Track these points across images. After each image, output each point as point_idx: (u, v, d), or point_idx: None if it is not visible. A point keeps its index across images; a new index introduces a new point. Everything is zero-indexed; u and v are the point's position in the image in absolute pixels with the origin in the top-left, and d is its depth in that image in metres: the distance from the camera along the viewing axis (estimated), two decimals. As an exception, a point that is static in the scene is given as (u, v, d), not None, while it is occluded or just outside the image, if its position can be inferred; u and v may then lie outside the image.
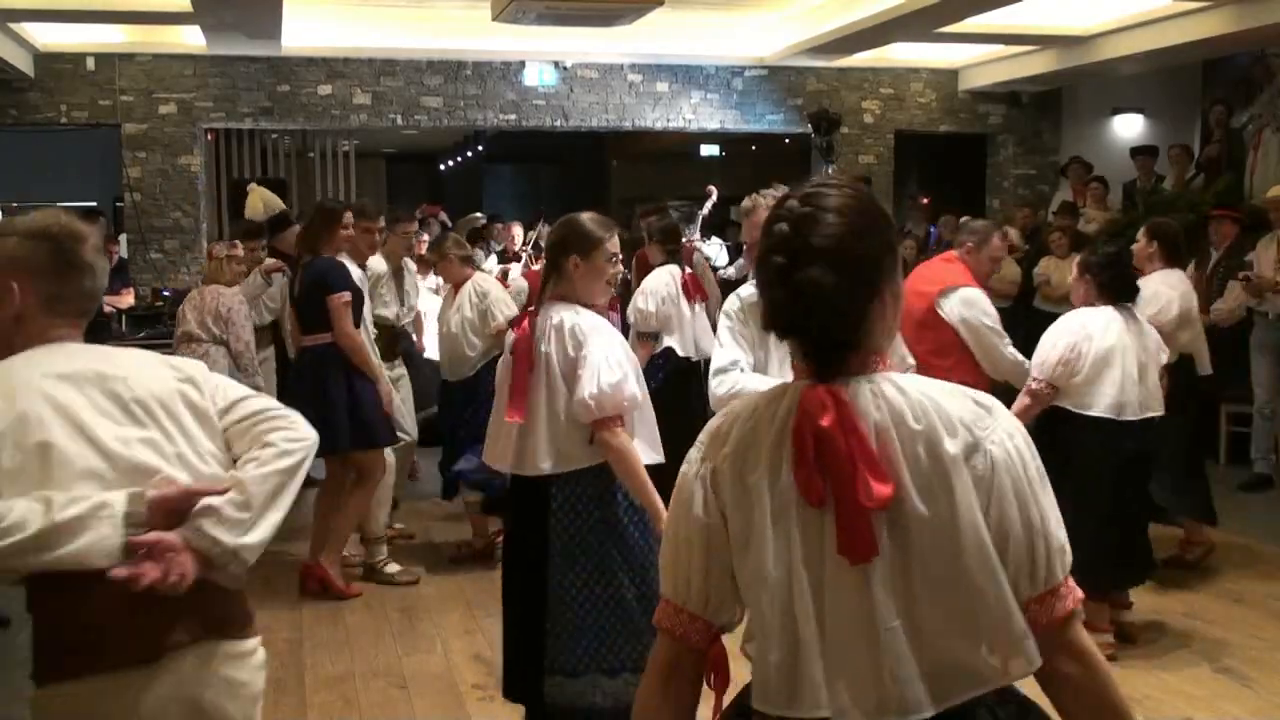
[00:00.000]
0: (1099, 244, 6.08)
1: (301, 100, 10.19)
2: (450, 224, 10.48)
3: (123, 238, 10.05)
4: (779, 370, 3.37)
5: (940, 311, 4.89)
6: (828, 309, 1.54)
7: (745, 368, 3.39)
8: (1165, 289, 5.40)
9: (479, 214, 12.54)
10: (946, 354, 4.85)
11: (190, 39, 9.41)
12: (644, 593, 3.37)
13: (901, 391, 1.56)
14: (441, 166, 19.73)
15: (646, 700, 1.73)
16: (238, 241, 6.93)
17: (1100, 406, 4.56)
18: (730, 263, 10.37)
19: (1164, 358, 4.81)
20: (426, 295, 7.29)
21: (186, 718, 2.04)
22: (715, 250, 10.82)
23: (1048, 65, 9.94)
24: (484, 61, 10.38)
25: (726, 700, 1.73)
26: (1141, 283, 4.95)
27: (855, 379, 1.58)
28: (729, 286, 6.89)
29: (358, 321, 5.51)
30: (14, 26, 8.76)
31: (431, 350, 6.99)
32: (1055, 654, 1.56)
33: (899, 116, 11.30)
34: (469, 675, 4.59)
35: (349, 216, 5.61)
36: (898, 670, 1.51)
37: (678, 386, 6.08)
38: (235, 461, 2.15)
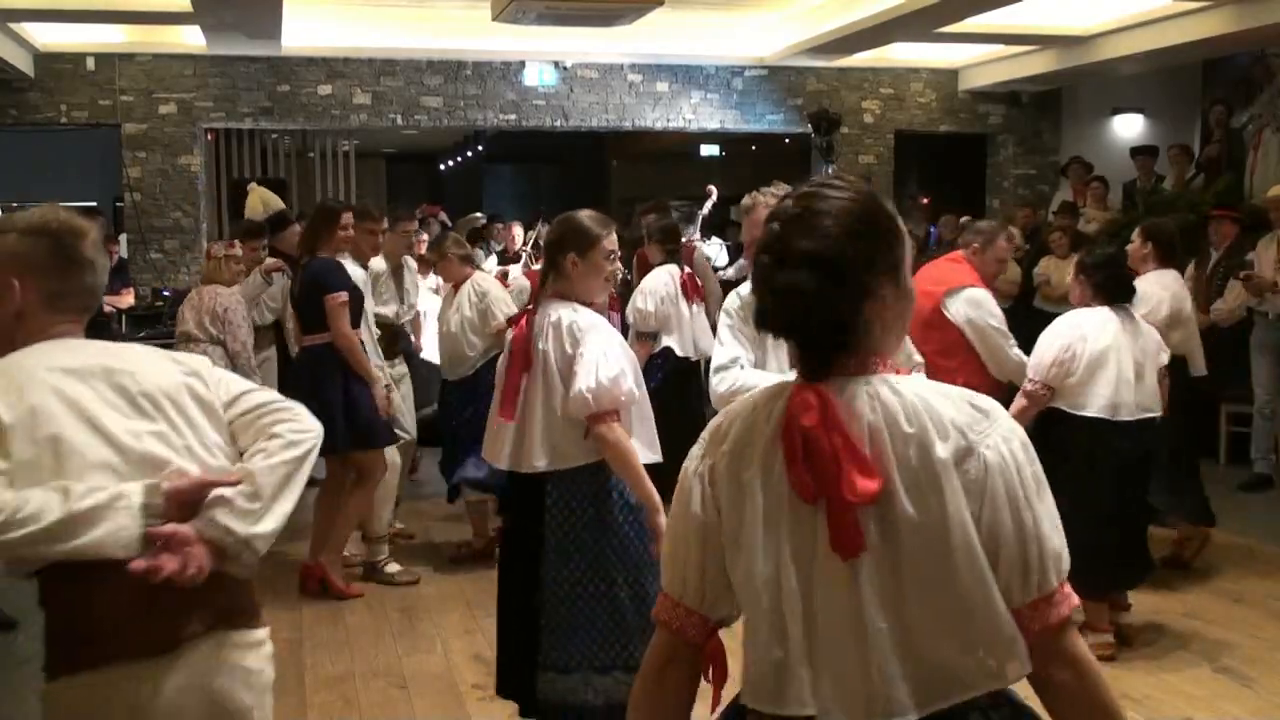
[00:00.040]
0: (1100, 244, 6.08)
1: (301, 100, 10.19)
2: (450, 224, 10.47)
3: (123, 238, 10.05)
4: (779, 368, 3.37)
5: (946, 312, 4.90)
6: (809, 311, 1.56)
7: (746, 365, 3.40)
8: (1156, 289, 5.40)
9: (479, 214, 12.55)
10: (952, 354, 4.86)
11: (190, 39, 9.41)
12: (637, 591, 3.38)
13: (896, 394, 1.57)
14: (441, 166, 19.74)
15: (642, 692, 1.75)
16: (236, 241, 6.93)
17: (1094, 407, 4.56)
18: (730, 263, 10.38)
19: (1164, 358, 4.81)
20: (426, 295, 7.29)
21: (202, 706, 2.05)
22: (715, 250, 10.83)
23: (1048, 65, 9.94)
24: (484, 61, 10.38)
25: (726, 695, 1.73)
26: (1135, 283, 4.95)
27: (851, 379, 1.59)
28: (729, 287, 6.88)
29: (357, 321, 5.51)
30: (14, 26, 8.76)
31: (428, 351, 6.99)
32: (1049, 660, 1.55)
33: (899, 116, 11.30)
34: (469, 675, 4.59)
35: (348, 217, 5.61)
36: (885, 671, 1.52)
37: (677, 386, 6.09)
38: (241, 454, 2.16)
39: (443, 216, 10.89)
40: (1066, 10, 8.93)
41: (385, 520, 5.94)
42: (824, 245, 1.56)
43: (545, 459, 3.38)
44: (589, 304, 3.48)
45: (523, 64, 10.47)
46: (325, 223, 5.57)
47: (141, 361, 2.17)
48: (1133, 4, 8.56)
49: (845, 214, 1.58)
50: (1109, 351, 4.56)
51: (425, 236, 8.18)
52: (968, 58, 10.90)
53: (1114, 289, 4.68)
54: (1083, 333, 4.59)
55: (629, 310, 6.37)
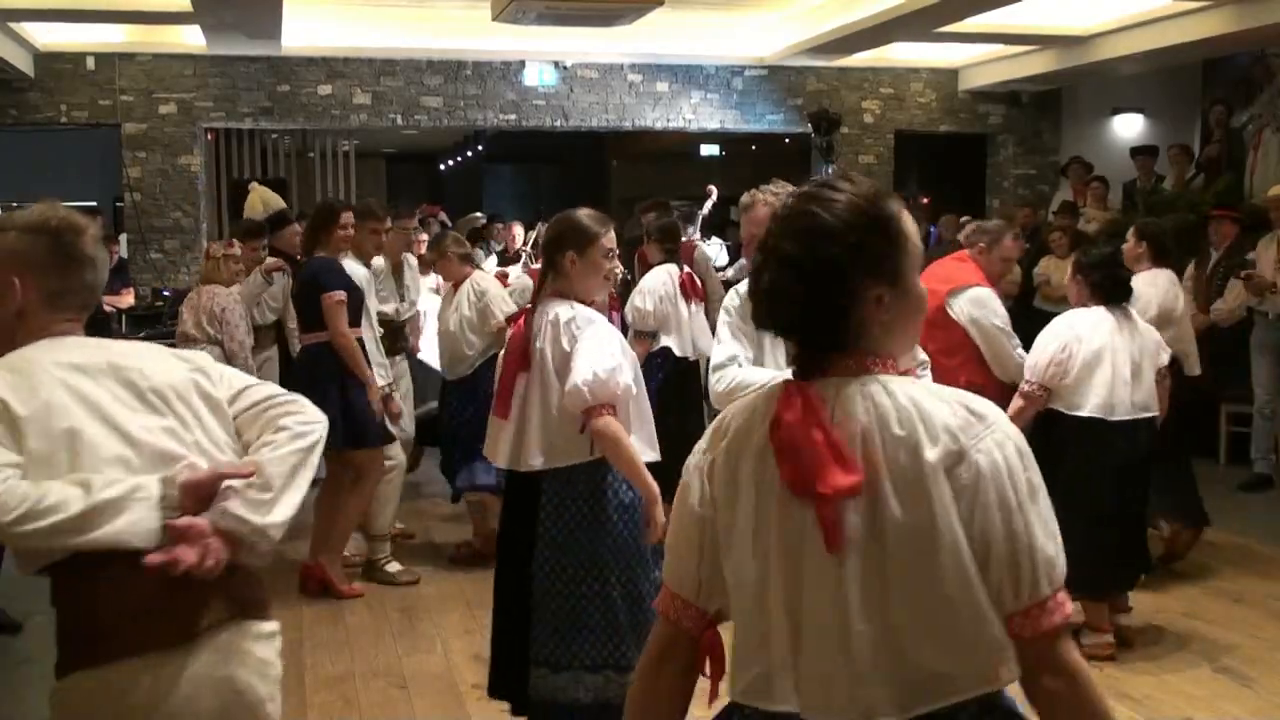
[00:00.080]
0: (1098, 244, 6.07)
1: (301, 100, 10.19)
2: (450, 224, 10.48)
3: (123, 238, 10.05)
4: (776, 366, 3.37)
5: (950, 311, 4.91)
6: (792, 312, 1.59)
7: (744, 363, 3.39)
8: (1146, 288, 5.40)
9: (479, 214, 12.56)
10: (955, 353, 4.86)
11: (190, 39, 9.41)
12: (630, 591, 3.39)
13: (890, 396, 1.57)
14: (441, 166, 19.75)
15: (639, 682, 1.77)
16: (235, 241, 6.94)
17: (1089, 407, 4.57)
18: (730, 263, 10.38)
19: (1165, 358, 4.81)
20: (426, 295, 7.30)
21: (218, 697, 2.06)
22: (715, 250, 10.83)
23: (1048, 65, 9.94)
24: (484, 61, 10.38)
25: (723, 689, 1.74)
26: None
27: (847, 380, 1.60)
28: (729, 287, 6.88)
29: (357, 320, 5.51)
30: (14, 26, 8.76)
31: (425, 351, 7.01)
32: (1041, 669, 1.55)
33: (899, 116, 11.30)
34: (469, 675, 4.58)
35: (347, 216, 5.61)
36: (870, 671, 1.52)
37: (676, 386, 6.08)
38: (246, 449, 2.17)
39: (443, 216, 10.91)
40: (1066, 10, 8.93)
41: (388, 518, 5.94)
42: (805, 248, 1.58)
43: (542, 457, 3.39)
44: (588, 303, 3.48)
45: (523, 64, 10.47)
46: (325, 222, 5.58)
47: (148, 358, 2.18)
48: (1133, 4, 8.56)
49: (836, 217, 1.59)
50: (1104, 351, 4.56)
51: (425, 236, 8.19)
52: (968, 58, 10.90)
53: (1111, 289, 4.69)
54: (1078, 333, 4.59)
55: (627, 309, 6.37)
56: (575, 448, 3.37)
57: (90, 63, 9.76)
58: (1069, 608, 1.57)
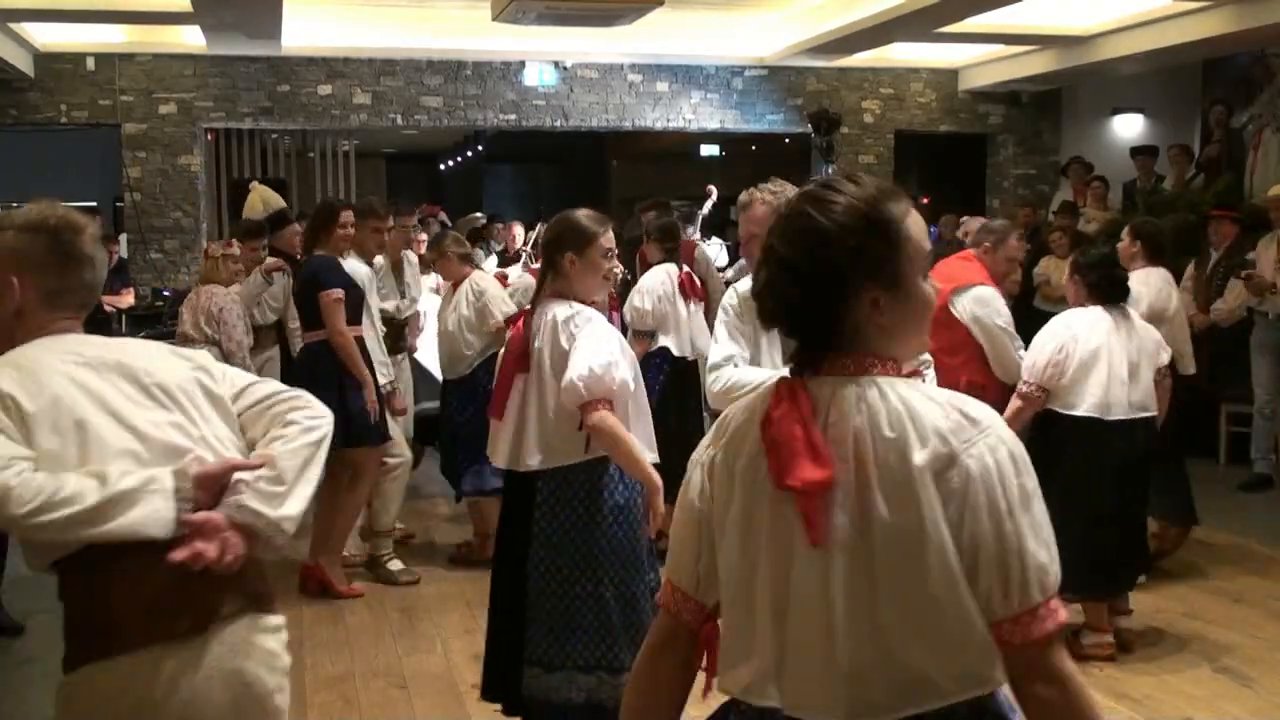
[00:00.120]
0: (1097, 244, 6.07)
1: (301, 100, 10.19)
2: (450, 224, 10.48)
3: (123, 238, 10.06)
4: (773, 365, 3.37)
5: (953, 309, 4.91)
6: (787, 310, 1.62)
7: (740, 362, 3.40)
8: (1139, 286, 5.40)
9: (479, 214, 12.56)
10: (957, 352, 4.86)
11: (190, 39, 9.41)
12: (623, 593, 3.39)
13: (884, 397, 1.57)
14: (441, 166, 19.74)
15: (638, 672, 1.79)
16: (234, 240, 6.93)
17: (1084, 406, 4.57)
18: (730, 263, 10.37)
19: (1165, 357, 4.81)
20: (427, 294, 7.31)
21: (228, 690, 2.07)
22: (715, 250, 10.82)
23: (1048, 65, 9.94)
24: (484, 61, 10.38)
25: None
26: None
27: (844, 379, 1.60)
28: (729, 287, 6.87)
29: (357, 319, 5.52)
30: (14, 26, 8.76)
31: (422, 351, 7.02)
32: (1033, 677, 1.54)
33: (899, 116, 11.30)
34: (469, 675, 4.58)
35: (347, 215, 5.61)
36: (853, 670, 1.53)
37: (675, 386, 6.07)
38: (250, 446, 2.18)
39: (443, 216, 10.90)
40: (1066, 10, 8.93)
41: (392, 515, 5.95)
42: (800, 250, 1.60)
43: (540, 456, 3.40)
44: (588, 303, 3.48)
45: (523, 64, 10.47)
46: (325, 221, 5.59)
47: (151, 355, 2.19)
48: (1133, 4, 8.56)
49: (833, 220, 1.59)
50: (1100, 351, 4.56)
51: (424, 236, 8.19)
52: (968, 58, 10.90)
53: (1108, 288, 4.69)
54: (1075, 333, 4.60)
55: (626, 308, 6.36)
56: (573, 447, 3.37)
57: (90, 63, 9.77)
58: (1062, 615, 1.56)
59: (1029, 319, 8.10)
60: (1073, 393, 4.58)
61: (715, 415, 3.51)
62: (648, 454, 3.41)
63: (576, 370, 3.24)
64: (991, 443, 1.55)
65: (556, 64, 10.53)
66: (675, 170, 16.07)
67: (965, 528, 1.51)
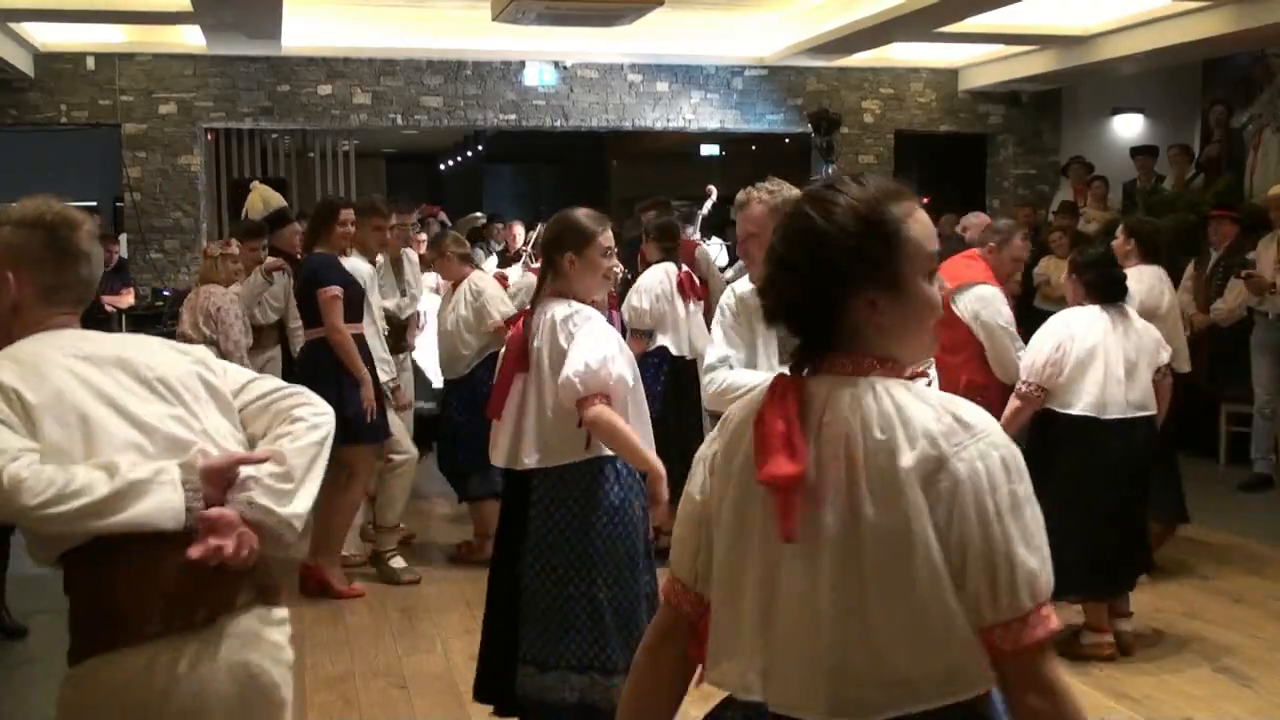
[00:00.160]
0: (1095, 244, 6.08)
1: (301, 100, 10.19)
2: (450, 224, 10.48)
3: (123, 238, 10.06)
4: (769, 367, 3.37)
5: (954, 308, 4.92)
6: (785, 308, 1.64)
7: (735, 364, 3.40)
8: (1132, 284, 5.38)
9: (479, 214, 12.56)
10: (958, 351, 4.87)
11: (190, 39, 9.41)
12: (617, 594, 3.40)
13: (876, 399, 1.57)
14: (441, 166, 19.73)
15: (638, 663, 1.81)
16: (232, 240, 6.93)
17: (1080, 405, 4.57)
18: (731, 263, 10.36)
19: (1165, 356, 4.80)
20: (427, 295, 7.31)
21: (236, 682, 2.07)
22: (716, 250, 10.81)
23: (1048, 65, 9.94)
24: (484, 61, 10.38)
25: None
26: None
27: (840, 379, 1.61)
28: (728, 288, 6.86)
29: (357, 317, 5.52)
30: (14, 26, 8.76)
31: (420, 351, 7.03)
32: (1024, 684, 1.54)
33: (899, 116, 11.30)
34: (469, 675, 4.53)
35: (347, 213, 5.62)
36: (839, 669, 1.53)
37: (673, 386, 6.07)
38: (251, 441, 2.19)
39: (442, 216, 10.90)
40: (1066, 10, 8.93)
41: (397, 512, 5.96)
42: (798, 251, 1.62)
43: (537, 455, 3.41)
44: (588, 302, 3.48)
45: (523, 64, 10.47)
46: (325, 219, 5.60)
47: (150, 349, 2.19)
48: (1133, 4, 8.56)
49: (831, 221, 1.60)
50: (1097, 350, 4.57)
51: (424, 236, 8.20)
52: (968, 58, 10.90)
53: (1105, 287, 4.69)
54: (1072, 332, 4.61)
55: (623, 307, 6.36)
56: (570, 447, 3.38)
57: (90, 63, 9.76)
58: (1054, 623, 1.54)
59: (1029, 319, 8.11)
60: (1069, 391, 4.59)
61: (714, 415, 3.51)
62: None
63: (572, 366, 3.25)
64: (983, 448, 1.54)
65: (556, 64, 10.53)
66: (675, 170, 16.06)
67: (954, 532, 1.51)
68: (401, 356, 6.46)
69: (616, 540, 3.40)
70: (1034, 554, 1.53)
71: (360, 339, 5.51)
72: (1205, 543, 6.33)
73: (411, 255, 6.86)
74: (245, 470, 2.06)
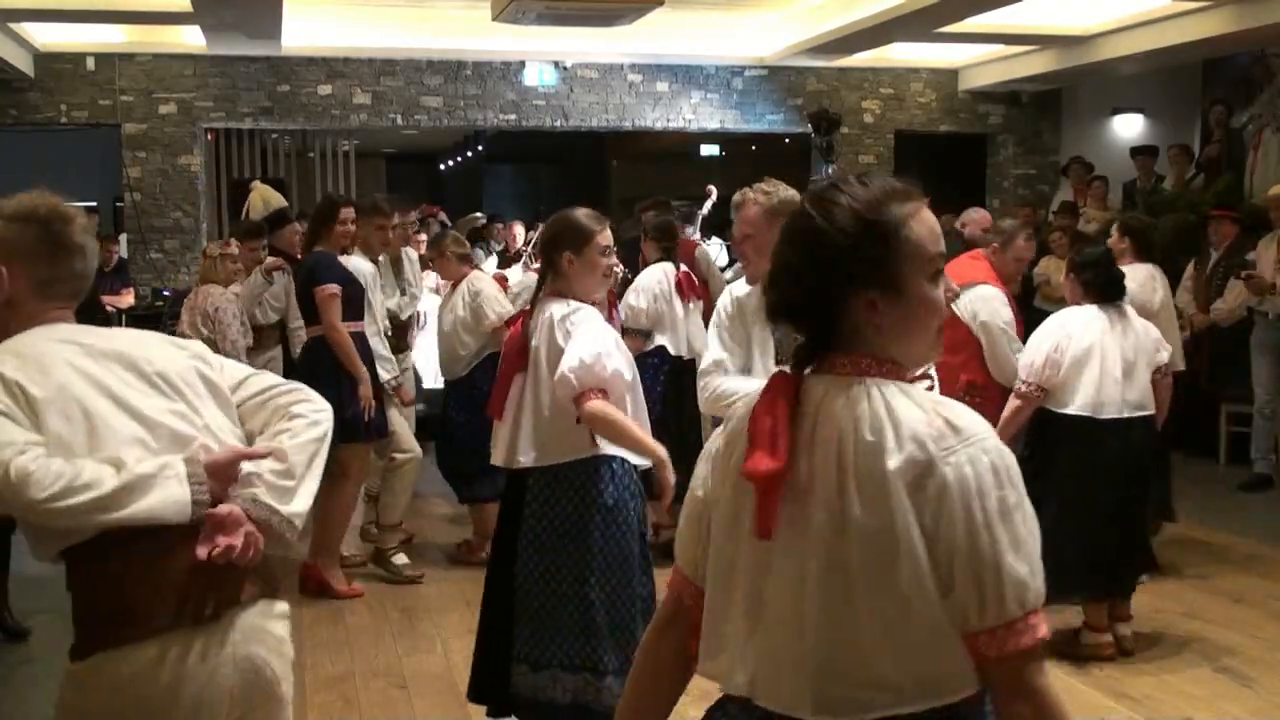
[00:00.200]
0: (1094, 244, 6.08)
1: (301, 100, 10.19)
2: (450, 224, 10.48)
3: (123, 238, 10.06)
4: (765, 370, 3.37)
5: (955, 307, 4.91)
6: (786, 307, 1.66)
7: (730, 368, 3.40)
8: (1125, 282, 5.40)
9: (479, 214, 12.56)
10: (958, 350, 4.87)
11: (190, 39, 9.41)
12: (609, 595, 3.40)
13: (869, 401, 1.57)
14: (441, 166, 19.73)
15: (641, 649, 1.84)
16: (232, 240, 6.93)
17: (1076, 405, 4.57)
18: (731, 263, 10.36)
19: (1164, 356, 4.80)
20: (427, 295, 7.31)
21: (240, 675, 2.08)
22: (716, 250, 10.81)
23: (1048, 65, 9.94)
24: (484, 61, 10.38)
25: None
26: None
27: (837, 379, 1.61)
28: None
29: (357, 315, 5.52)
30: (14, 26, 8.76)
31: (420, 350, 7.03)
32: (1010, 692, 1.53)
33: (899, 116, 11.30)
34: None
35: (347, 212, 5.62)
36: (825, 668, 1.53)
37: (672, 385, 6.07)
38: (249, 437, 2.19)
39: (442, 216, 10.91)
40: (1066, 10, 8.92)
41: (400, 509, 5.97)
42: (799, 251, 1.63)
43: (533, 453, 3.42)
44: (588, 301, 3.48)
45: (523, 64, 10.46)
46: (326, 218, 5.60)
47: (149, 344, 2.20)
48: (1133, 4, 8.55)
49: (832, 222, 1.60)
50: (1093, 349, 4.57)
51: (424, 236, 8.20)
52: (968, 58, 10.90)
53: (1103, 287, 4.69)
54: (1069, 331, 4.61)
55: (620, 306, 6.36)
56: (567, 445, 3.38)
57: (90, 63, 9.76)
58: (1042, 631, 1.53)
59: (1029, 319, 8.12)
60: (1066, 390, 4.59)
61: (713, 416, 3.51)
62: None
63: (567, 363, 3.26)
64: (972, 453, 1.53)
65: (556, 64, 10.53)
66: (675, 170, 16.05)
67: (941, 536, 1.51)
68: (401, 356, 6.46)
69: (610, 540, 3.40)
70: (1023, 561, 1.52)
71: (360, 337, 5.51)
72: (1205, 543, 6.33)
73: (411, 254, 6.87)
74: (246, 466, 2.07)
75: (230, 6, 7.75)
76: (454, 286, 6.12)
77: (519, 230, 10.38)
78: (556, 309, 3.41)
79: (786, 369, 1.67)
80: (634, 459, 3.43)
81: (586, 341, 3.28)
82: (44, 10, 8.31)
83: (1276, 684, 4.44)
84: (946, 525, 1.50)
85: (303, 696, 4.39)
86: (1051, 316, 4.79)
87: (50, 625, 4.83)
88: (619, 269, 3.70)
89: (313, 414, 2.21)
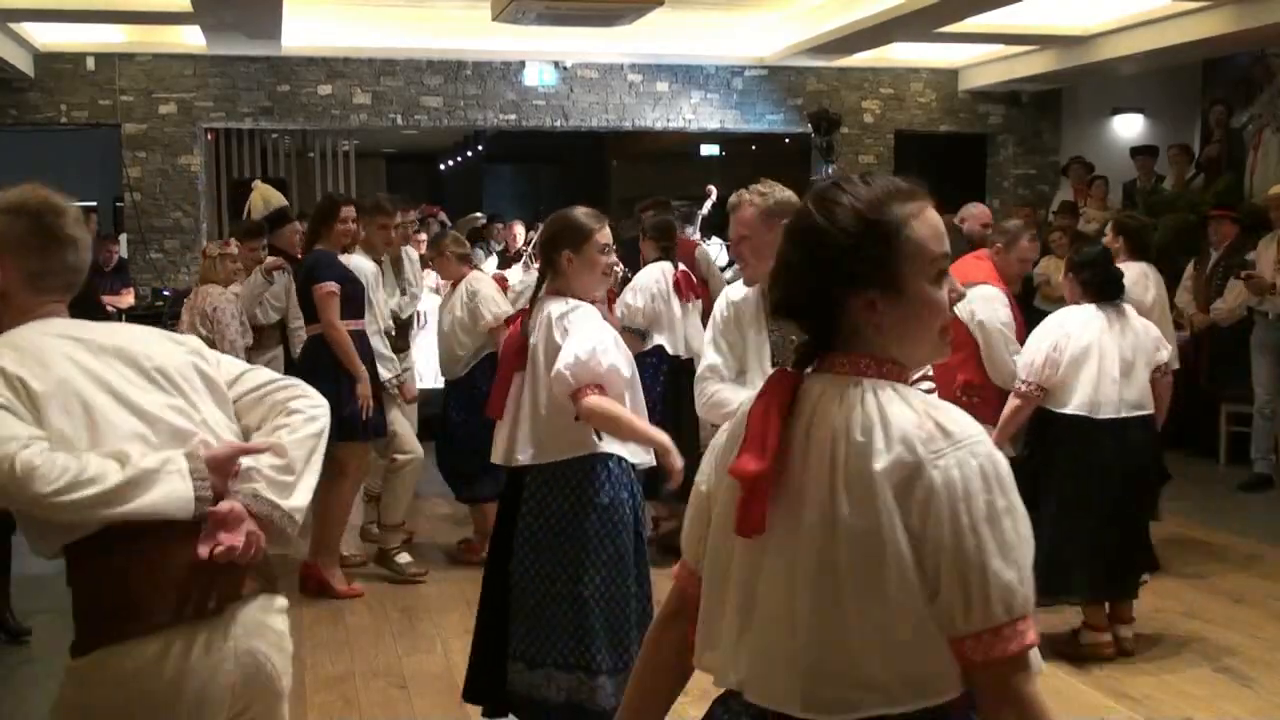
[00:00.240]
0: (1093, 244, 6.07)
1: (301, 100, 10.19)
2: (450, 224, 10.48)
3: (123, 238, 10.06)
4: (762, 373, 3.37)
5: (954, 307, 4.89)
6: (788, 306, 1.66)
7: (726, 373, 3.41)
8: None
9: (479, 214, 12.56)
10: (957, 350, 4.85)
11: (190, 39, 9.41)
12: (604, 595, 3.40)
13: (862, 401, 1.57)
14: (441, 166, 19.73)
15: (645, 642, 1.86)
16: (231, 240, 6.92)
17: (1073, 404, 4.57)
18: (730, 263, 10.36)
19: (1164, 355, 4.80)
20: (427, 295, 7.31)
21: (241, 670, 2.08)
22: (716, 250, 10.80)
23: (1048, 65, 9.94)
24: (484, 61, 10.38)
25: None
26: None
27: (834, 378, 1.61)
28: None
29: (357, 314, 5.52)
30: (14, 26, 8.76)
31: (419, 350, 7.03)
32: (991, 697, 1.53)
33: (899, 116, 11.30)
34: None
35: (347, 211, 5.63)
36: (814, 666, 1.54)
37: (671, 385, 6.06)
38: (246, 432, 2.19)
39: (442, 216, 10.91)
40: (1066, 10, 8.92)
41: (402, 509, 5.97)
42: (800, 250, 1.64)
43: (531, 450, 3.42)
44: (588, 300, 3.48)
45: (523, 64, 10.46)
46: (326, 217, 5.60)
47: (147, 339, 2.19)
48: (1133, 4, 8.55)
49: (833, 222, 1.60)
50: (1091, 348, 4.57)
51: (424, 236, 8.19)
52: (968, 58, 10.89)
53: (1102, 286, 4.69)
54: (1067, 330, 4.61)
55: (617, 305, 6.35)
56: (565, 443, 3.38)
57: (90, 63, 9.76)
58: (1030, 638, 1.51)
59: (1029, 319, 8.11)
60: (1063, 389, 4.59)
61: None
62: (642, 456, 3.41)
63: (563, 359, 3.26)
64: (961, 456, 1.52)
65: (556, 64, 10.53)
66: (675, 170, 16.05)
67: (928, 539, 1.50)
68: (403, 355, 6.46)
69: (606, 540, 3.40)
70: (1010, 566, 1.50)
71: (360, 336, 5.51)
72: (1205, 543, 6.34)
73: (412, 254, 6.87)
74: (246, 461, 2.07)
75: (230, 6, 7.75)
76: (453, 286, 6.12)
77: (519, 230, 10.37)
78: (555, 307, 3.41)
79: (787, 368, 1.67)
80: (635, 458, 3.42)
81: (582, 338, 3.29)
82: (44, 10, 8.31)
83: (1276, 684, 4.44)
84: (933, 527, 1.50)
85: (303, 696, 4.39)
86: (1050, 316, 4.79)
87: (51, 625, 4.83)
88: (619, 268, 3.69)
89: (310, 409, 2.21)
